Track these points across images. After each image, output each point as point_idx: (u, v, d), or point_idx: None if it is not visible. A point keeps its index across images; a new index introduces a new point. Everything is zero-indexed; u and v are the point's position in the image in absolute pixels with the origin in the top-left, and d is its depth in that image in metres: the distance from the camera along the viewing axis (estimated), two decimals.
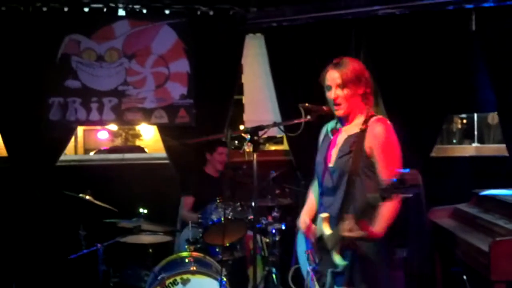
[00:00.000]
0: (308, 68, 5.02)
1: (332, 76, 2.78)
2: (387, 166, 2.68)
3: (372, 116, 2.80)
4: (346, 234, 2.58)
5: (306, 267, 3.02)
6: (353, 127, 2.83)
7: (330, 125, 2.99)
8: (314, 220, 3.02)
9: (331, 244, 2.73)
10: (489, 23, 4.87)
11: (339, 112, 2.80)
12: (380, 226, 2.64)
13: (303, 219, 3.03)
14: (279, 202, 4.92)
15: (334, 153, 2.85)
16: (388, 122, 2.80)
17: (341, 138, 2.86)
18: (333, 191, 2.82)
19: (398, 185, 2.24)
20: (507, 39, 4.77)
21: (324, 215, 2.82)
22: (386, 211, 2.62)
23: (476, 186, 4.63)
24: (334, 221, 2.76)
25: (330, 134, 2.95)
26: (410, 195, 2.23)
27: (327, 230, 2.78)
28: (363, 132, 2.75)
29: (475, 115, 7.08)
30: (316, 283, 2.88)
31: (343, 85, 2.75)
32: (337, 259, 2.70)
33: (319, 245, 2.86)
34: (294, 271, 4.86)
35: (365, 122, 2.78)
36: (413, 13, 5.02)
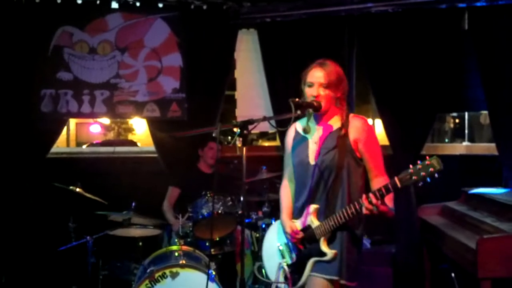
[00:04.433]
0: (301, 64, 4.96)
1: (317, 75, 2.85)
2: (376, 158, 2.86)
3: (348, 114, 2.91)
4: (369, 206, 2.58)
5: (276, 261, 3.06)
6: (332, 124, 2.90)
7: (301, 123, 3.02)
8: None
9: (319, 234, 2.81)
10: (482, 22, 4.88)
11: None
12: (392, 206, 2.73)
13: (290, 225, 2.97)
14: (269, 197, 4.93)
15: (316, 150, 2.89)
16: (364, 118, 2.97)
17: (321, 136, 2.91)
18: (319, 187, 2.87)
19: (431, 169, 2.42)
20: (499, 38, 4.78)
21: (314, 206, 2.87)
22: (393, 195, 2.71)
23: (465, 184, 4.66)
24: (321, 214, 2.85)
25: (303, 133, 2.98)
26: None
27: (315, 222, 2.85)
28: (345, 127, 2.85)
29: (466, 114, 7.10)
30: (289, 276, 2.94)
31: (326, 86, 2.84)
32: (325, 248, 2.80)
33: (304, 235, 2.90)
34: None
35: (344, 118, 2.88)
36: (406, 11, 5.04)
